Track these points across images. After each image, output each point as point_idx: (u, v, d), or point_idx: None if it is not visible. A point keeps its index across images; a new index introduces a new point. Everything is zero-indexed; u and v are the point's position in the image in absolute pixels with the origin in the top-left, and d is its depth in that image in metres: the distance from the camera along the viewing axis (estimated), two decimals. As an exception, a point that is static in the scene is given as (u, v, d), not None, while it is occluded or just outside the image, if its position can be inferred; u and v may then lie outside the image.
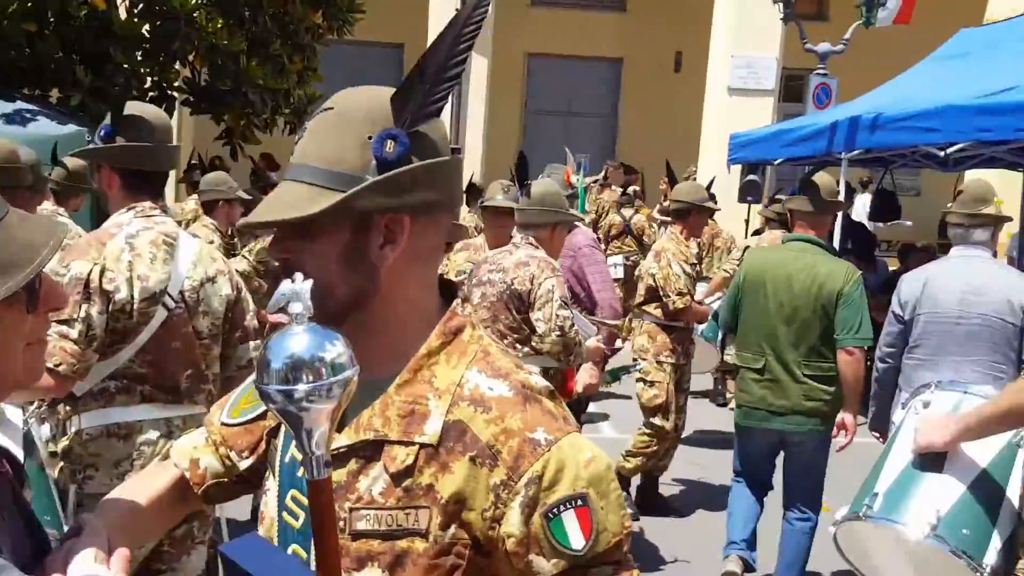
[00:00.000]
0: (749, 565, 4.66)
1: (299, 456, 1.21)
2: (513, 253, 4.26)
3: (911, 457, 2.90)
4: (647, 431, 5.76)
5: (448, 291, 1.34)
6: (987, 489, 2.79)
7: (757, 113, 12.51)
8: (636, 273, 6.68)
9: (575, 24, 17.18)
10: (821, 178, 4.55)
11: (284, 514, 1.29)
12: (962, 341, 3.92)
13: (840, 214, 7.57)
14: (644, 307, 5.79)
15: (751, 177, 10.23)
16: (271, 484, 1.34)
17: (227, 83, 8.46)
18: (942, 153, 7.08)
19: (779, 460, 4.69)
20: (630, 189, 13.25)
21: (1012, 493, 2.79)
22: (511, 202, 5.38)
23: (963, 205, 4.04)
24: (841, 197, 5.87)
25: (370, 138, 1.21)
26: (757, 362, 4.48)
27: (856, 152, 7.37)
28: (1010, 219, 4.46)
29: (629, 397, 8.31)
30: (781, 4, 11.05)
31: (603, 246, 11.69)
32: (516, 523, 1.18)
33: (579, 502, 1.18)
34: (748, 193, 10.32)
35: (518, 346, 4.19)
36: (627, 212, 12.00)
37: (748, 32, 13.00)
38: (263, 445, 1.40)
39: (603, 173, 13.23)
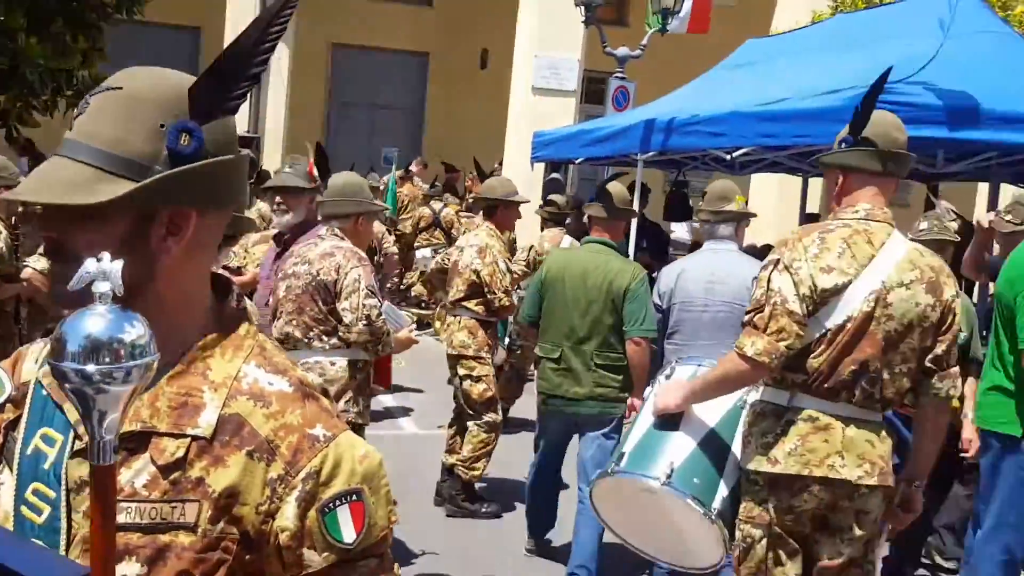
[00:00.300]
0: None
1: (45, 448, 1.20)
2: (319, 245, 4.25)
3: (653, 420, 3.28)
4: (483, 429, 5.71)
5: (221, 285, 1.32)
6: (715, 445, 3.18)
7: (560, 113, 12.80)
8: (434, 265, 6.60)
9: (381, 16, 17.04)
10: (614, 187, 4.90)
11: (23, 509, 1.22)
12: (710, 327, 4.39)
13: (638, 215, 7.88)
14: (464, 303, 5.77)
15: (554, 175, 10.48)
16: (6, 478, 1.26)
17: (4, 62, 7.86)
18: (729, 157, 7.47)
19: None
20: (437, 183, 13.32)
21: (736, 448, 3.15)
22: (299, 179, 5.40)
23: (709, 203, 4.49)
24: (637, 197, 6.12)
25: (163, 126, 1.17)
26: (555, 352, 4.78)
27: (651, 154, 7.65)
28: (754, 215, 4.89)
29: (422, 391, 8.34)
30: (583, 8, 11.34)
31: (414, 237, 11.74)
32: (291, 517, 1.19)
33: (354, 497, 1.21)
34: (550, 190, 10.54)
35: (324, 337, 4.18)
36: (436, 205, 12.06)
37: (551, 34, 13.27)
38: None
39: (405, 168, 13.24)
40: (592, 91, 15.74)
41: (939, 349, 2.95)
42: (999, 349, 3.99)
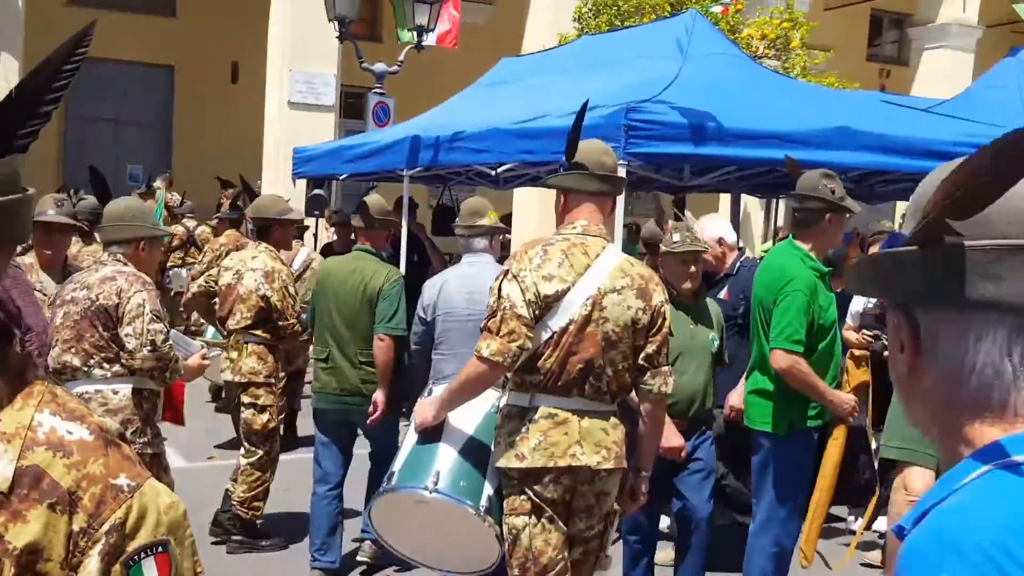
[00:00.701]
0: (332, 570, 5.08)
1: None
2: (99, 270, 4.09)
3: (416, 436, 3.52)
4: (255, 466, 5.45)
5: (1, 330, 1.25)
6: (476, 449, 3.45)
7: (318, 128, 12.66)
8: (196, 288, 6.09)
9: (121, 27, 16.13)
10: (372, 200, 5.27)
11: None
12: (474, 336, 4.57)
13: (405, 228, 7.96)
14: (252, 330, 5.48)
15: (316, 191, 10.34)
16: None
17: None
18: (493, 172, 7.69)
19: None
20: (187, 203, 12.75)
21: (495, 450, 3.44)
22: (65, 217, 5.12)
23: (463, 219, 4.76)
24: (404, 212, 6.13)
25: None
26: (324, 353, 5.09)
27: (417, 169, 7.75)
28: (507, 229, 5.24)
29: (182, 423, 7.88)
30: (336, 23, 11.29)
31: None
32: (94, 571, 1.15)
33: (159, 549, 1.19)
34: (314, 207, 10.42)
35: (106, 365, 3.98)
36: (190, 223, 11.57)
37: (305, 48, 13.10)
38: None
39: (147, 184, 12.63)
40: (351, 106, 15.65)
41: (650, 348, 3.30)
42: (763, 352, 4.25)
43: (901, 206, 13.11)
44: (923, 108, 7.61)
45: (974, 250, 1.02)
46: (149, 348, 3.93)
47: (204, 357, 4.40)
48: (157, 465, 4.02)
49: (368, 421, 4.90)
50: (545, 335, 3.22)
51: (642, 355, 3.30)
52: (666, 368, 3.36)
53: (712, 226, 5.61)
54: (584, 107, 3.60)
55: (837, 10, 17.40)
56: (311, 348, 5.18)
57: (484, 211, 4.78)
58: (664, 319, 3.33)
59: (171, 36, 16.80)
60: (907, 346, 1.09)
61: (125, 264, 4.11)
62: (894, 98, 8.63)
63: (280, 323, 5.48)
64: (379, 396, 4.85)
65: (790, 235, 4.43)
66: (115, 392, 3.98)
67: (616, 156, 5.53)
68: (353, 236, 5.46)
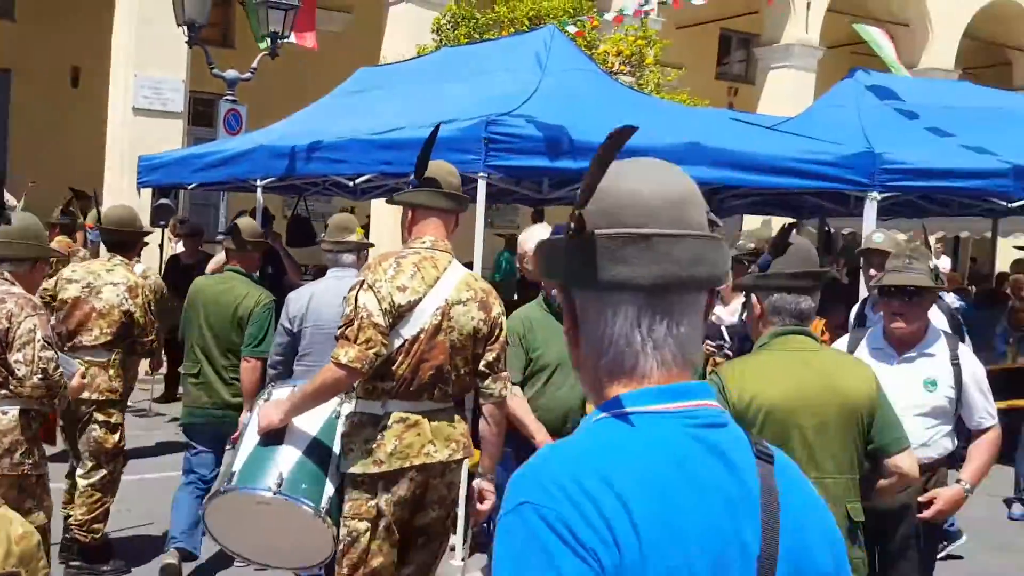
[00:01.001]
0: (190, 554, 5.15)
1: None
2: None
3: (258, 438, 3.59)
4: (95, 487, 5.17)
5: None
6: (318, 453, 3.57)
7: (166, 135, 12.16)
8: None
9: (-50, 26, 15.19)
10: (243, 222, 5.58)
11: None
12: None
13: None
14: (111, 347, 5.22)
15: (163, 201, 9.89)
16: None
17: None
18: (351, 183, 7.56)
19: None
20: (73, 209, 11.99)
21: (334, 456, 3.57)
22: None
23: (331, 235, 4.94)
24: (258, 223, 6.02)
25: None
26: (195, 368, 5.32)
27: (271, 179, 7.54)
28: (372, 245, 5.34)
29: None
30: (185, 27, 10.89)
31: None
32: None
33: None
34: (160, 217, 9.97)
35: None
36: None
37: (151, 53, 12.57)
38: None
39: None
40: (201, 113, 15.15)
41: (490, 356, 3.55)
42: None
43: (749, 220, 13.62)
44: (768, 126, 7.91)
45: (605, 238, 1.18)
46: (40, 376, 3.82)
47: (83, 376, 4.34)
48: (42, 487, 3.96)
49: (230, 439, 4.74)
50: (397, 343, 3.38)
51: (483, 362, 3.55)
52: (505, 374, 3.64)
53: (534, 237, 5.67)
54: (436, 129, 3.75)
55: (688, 29, 17.96)
56: (183, 363, 5.41)
57: (352, 227, 4.95)
58: (501, 329, 3.59)
59: (8, 39, 15.90)
60: (568, 322, 1.26)
61: (13, 284, 3.96)
62: (742, 115, 8.97)
63: (141, 339, 5.36)
64: (244, 418, 4.73)
65: None
66: (4, 413, 3.86)
67: (477, 168, 5.64)
68: (202, 247, 5.57)
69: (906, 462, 3.04)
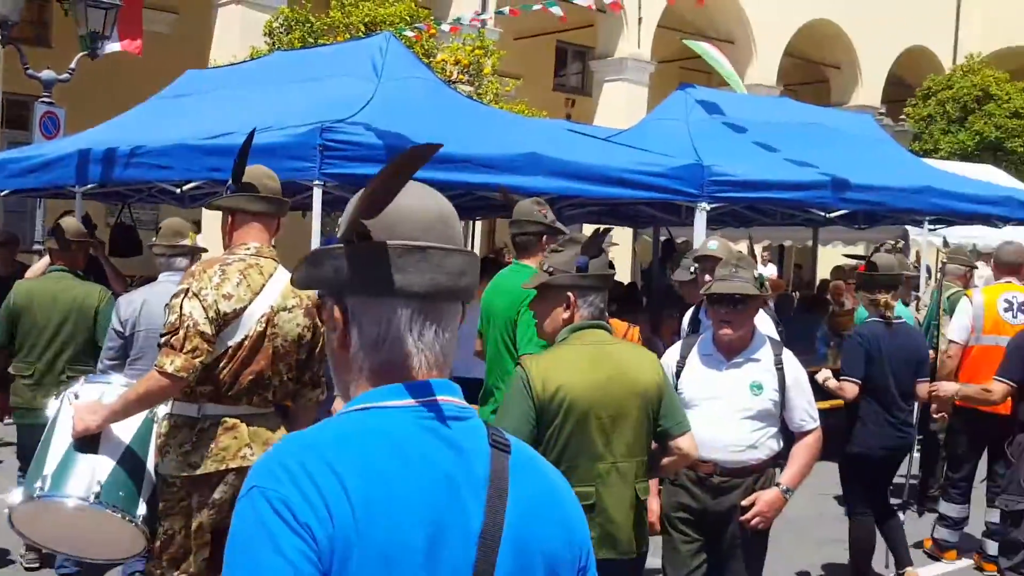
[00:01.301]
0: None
1: None
2: None
3: (71, 441, 3.50)
4: None
5: None
6: (133, 458, 3.55)
7: (-24, 139, 11.38)
8: None
9: None
10: (66, 222, 5.66)
11: None
12: None
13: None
14: None
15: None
16: None
17: None
18: (178, 190, 7.23)
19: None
20: None
21: (150, 460, 3.57)
22: None
23: (163, 239, 4.95)
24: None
25: None
26: (29, 370, 5.35)
27: (91, 186, 7.13)
28: (205, 250, 5.19)
29: None
30: (-2, 24, 10.21)
31: None
32: None
33: None
34: (-31, 226, 9.30)
35: None
36: None
37: (-41, 49, 11.73)
38: None
39: None
40: (15, 116, 14.26)
41: (314, 365, 3.63)
42: (505, 366, 4.46)
43: (588, 229, 13.86)
44: (603, 137, 8.07)
45: (383, 248, 1.29)
46: None
47: None
48: None
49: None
50: (220, 348, 3.38)
51: (307, 371, 3.63)
52: (324, 380, 3.67)
53: None
54: (251, 134, 3.69)
55: (526, 40, 18.18)
56: (12, 365, 5.41)
57: (185, 231, 5.00)
58: (323, 337, 3.59)
59: None
60: (339, 326, 1.35)
61: None
62: (578, 127, 9.12)
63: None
64: (50, 409, 4.68)
65: (513, 259, 4.81)
66: None
67: (312, 176, 5.49)
68: (17, 258, 5.42)
69: (687, 443, 3.31)
